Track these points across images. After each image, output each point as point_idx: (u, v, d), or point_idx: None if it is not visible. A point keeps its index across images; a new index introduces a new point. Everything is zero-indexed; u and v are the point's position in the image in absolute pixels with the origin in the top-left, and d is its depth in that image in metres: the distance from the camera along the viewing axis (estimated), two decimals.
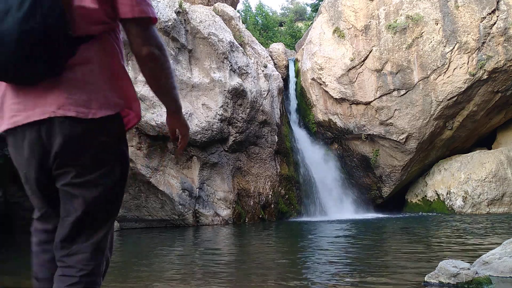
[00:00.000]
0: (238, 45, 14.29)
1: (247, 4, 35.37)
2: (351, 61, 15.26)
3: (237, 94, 13.29)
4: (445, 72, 13.88)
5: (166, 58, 1.52)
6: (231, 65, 13.41)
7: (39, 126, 1.40)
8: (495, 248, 4.59)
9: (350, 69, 15.30)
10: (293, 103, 17.56)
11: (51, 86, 1.40)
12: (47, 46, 1.33)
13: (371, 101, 15.03)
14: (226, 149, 13.38)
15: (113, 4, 1.45)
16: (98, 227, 1.50)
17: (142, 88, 12.22)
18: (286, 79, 17.60)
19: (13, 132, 1.45)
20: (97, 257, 1.47)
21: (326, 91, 15.90)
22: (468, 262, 4.21)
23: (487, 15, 13.32)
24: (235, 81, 13.29)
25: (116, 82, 1.50)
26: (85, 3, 1.41)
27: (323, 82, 15.86)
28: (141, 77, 12.29)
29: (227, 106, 13.06)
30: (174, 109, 1.63)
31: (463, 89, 13.81)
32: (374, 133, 15.30)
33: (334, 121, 16.07)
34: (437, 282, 3.94)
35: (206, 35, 13.26)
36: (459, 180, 14.39)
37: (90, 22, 1.44)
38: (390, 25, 14.61)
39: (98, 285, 1.49)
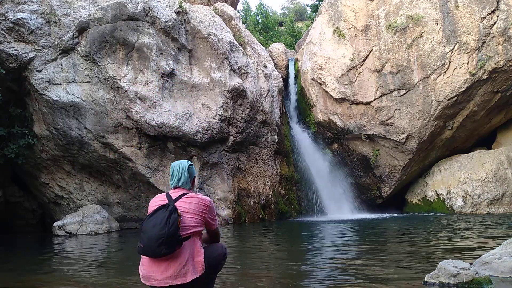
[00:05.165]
0: (238, 45, 14.28)
1: (246, 5, 35.34)
2: (351, 61, 15.26)
3: (237, 94, 13.29)
4: (445, 72, 13.87)
5: (219, 231, 3.50)
6: (231, 65, 13.40)
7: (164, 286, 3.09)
8: (495, 248, 4.59)
9: (350, 69, 15.30)
10: (293, 103, 17.56)
11: (167, 263, 3.02)
12: (169, 241, 2.95)
13: (371, 101, 15.03)
14: (226, 149, 13.37)
15: (204, 223, 3.27)
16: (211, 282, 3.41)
17: (142, 88, 12.23)
18: (286, 79, 17.59)
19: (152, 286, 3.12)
20: None
21: (326, 91, 15.90)
22: (468, 262, 4.21)
23: (487, 15, 13.31)
24: (235, 81, 13.28)
25: (196, 258, 3.12)
26: (188, 224, 3.12)
27: (323, 82, 15.86)
28: (140, 77, 12.31)
29: (227, 106, 13.05)
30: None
31: (463, 89, 13.81)
32: (374, 133, 15.29)
33: (334, 121, 16.06)
34: (437, 282, 3.93)
35: (206, 35, 13.25)
36: (459, 180, 14.38)
37: (188, 230, 3.13)
38: (390, 25, 14.61)
39: None
